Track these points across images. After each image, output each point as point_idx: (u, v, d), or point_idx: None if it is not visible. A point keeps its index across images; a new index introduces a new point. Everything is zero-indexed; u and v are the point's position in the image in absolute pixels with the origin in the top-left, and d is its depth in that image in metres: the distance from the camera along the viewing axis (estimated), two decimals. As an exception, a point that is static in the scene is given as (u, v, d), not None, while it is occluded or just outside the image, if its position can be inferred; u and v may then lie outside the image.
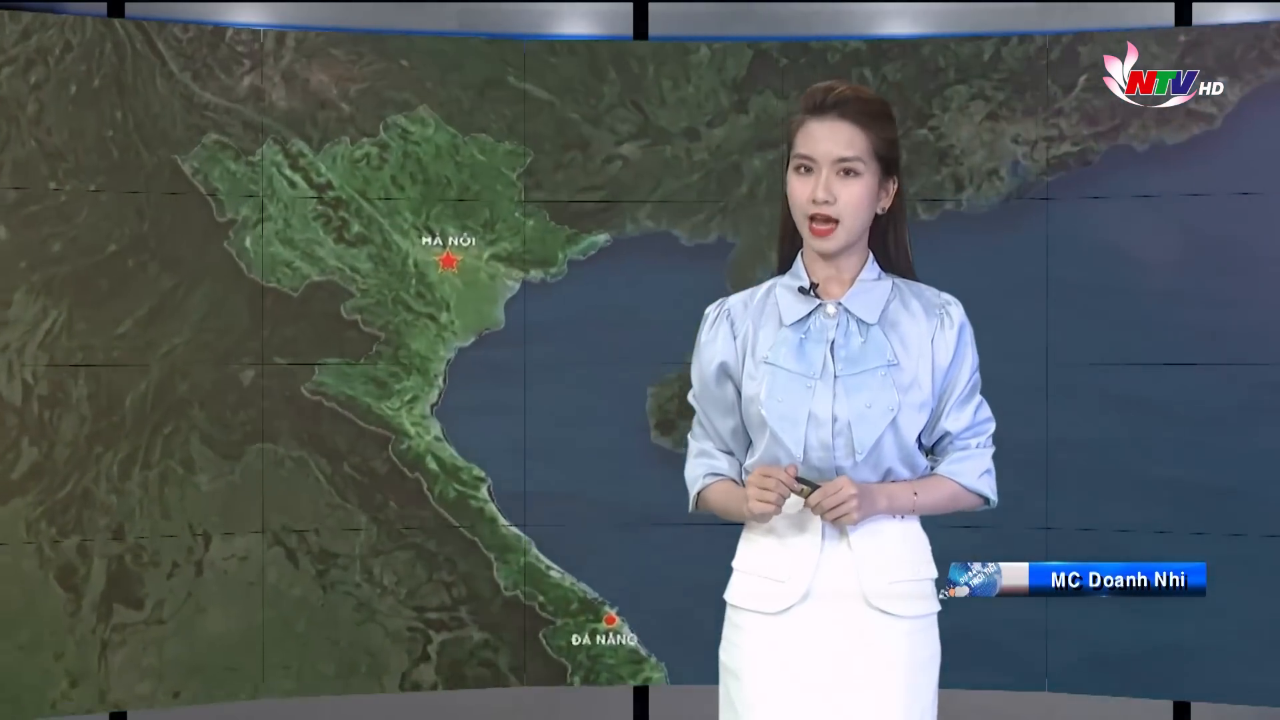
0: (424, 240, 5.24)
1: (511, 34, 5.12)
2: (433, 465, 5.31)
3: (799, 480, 2.38)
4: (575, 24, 5.30)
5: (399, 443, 5.30)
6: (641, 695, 5.23)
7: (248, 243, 5.14)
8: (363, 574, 5.28)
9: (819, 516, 2.41)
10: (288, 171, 5.17)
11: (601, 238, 5.33)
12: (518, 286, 5.30)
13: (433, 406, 5.29)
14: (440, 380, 5.28)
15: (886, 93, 5.15)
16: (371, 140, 5.24)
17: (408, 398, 5.29)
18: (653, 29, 5.13)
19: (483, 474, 5.32)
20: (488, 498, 5.32)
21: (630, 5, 5.15)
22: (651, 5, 5.13)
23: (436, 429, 5.30)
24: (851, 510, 2.38)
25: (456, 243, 5.27)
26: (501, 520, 5.36)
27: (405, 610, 5.32)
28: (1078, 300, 5.00)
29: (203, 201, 5.12)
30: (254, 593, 5.18)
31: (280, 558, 5.21)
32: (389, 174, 5.26)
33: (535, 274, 5.33)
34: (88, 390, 4.97)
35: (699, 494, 2.60)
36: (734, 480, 2.59)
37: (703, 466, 2.60)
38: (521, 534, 5.37)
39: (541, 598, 5.35)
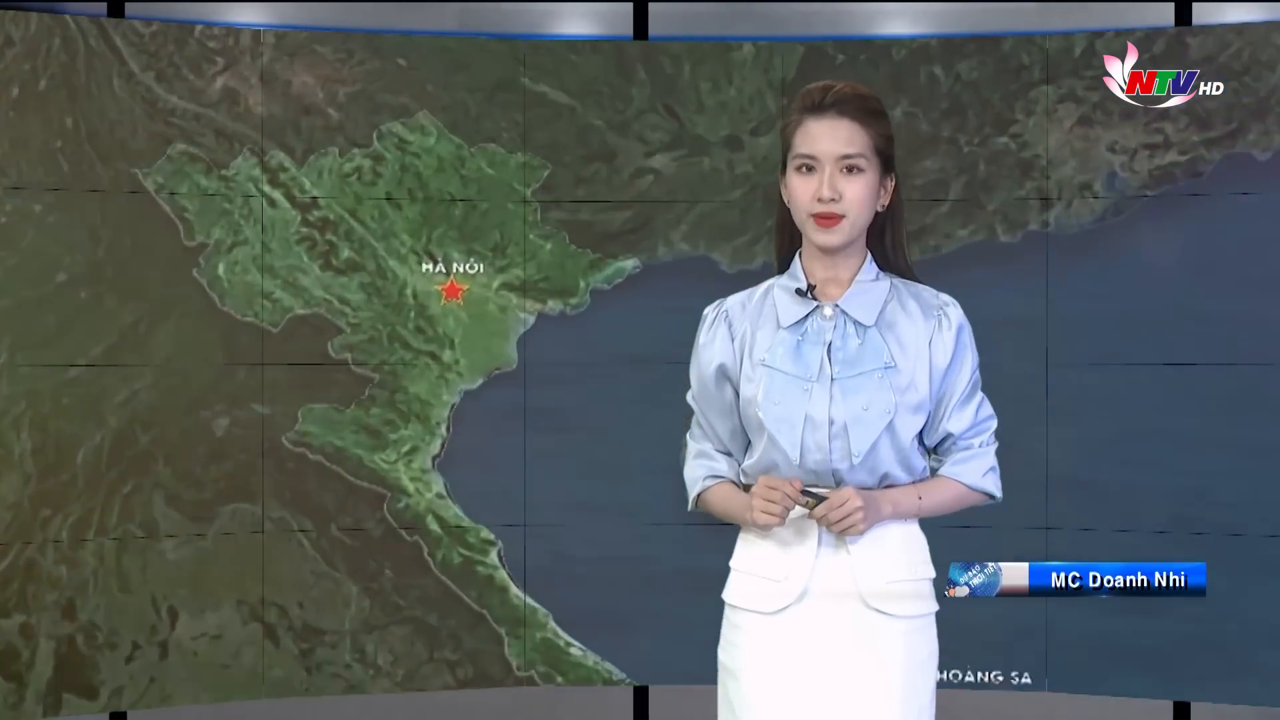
0: (424, 267, 4.97)
1: (511, 34, 5.00)
2: (434, 527, 5.01)
3: (804, 493, 2.46)
4: (575, 24, 5.15)
5: (395, 501, 5.00)
6: (641, 695, 5.09)
7: (221, 270, 4.86)
8: (353, 653, 4.95)
9: (834, 534, 2.50)
10: (267, 188, 4.89)
11: (629, 263, 5.05)
12: (533, 320, 5.03)
13: (434, 459, 5.00)
14: (443, 428, 4.99)
15: (960, 93, 4.92)
16: (364, 151, 4.96)
17: (406, 449, 5.00)
18: (653, 29, 5.04)
19: (492, 536, 5.02)
20: (498, 563, 5.02)
21: (630, 5, 5.05)
22: (651, 5, 5.04)
23: (439, 485, 5.02)
24: (858, 522, 2.46)
25: (462, 270, 5.00)
26: (513, 589, 5.03)
27: (403, 695, 4.99)
28: (1185, 331, 4.73)
29: (168, 223, 4.82)
30: (229, 676, 4.85)
31: (258, 635, 4.87)
32: (384, 190, 4.98)
33: (553, 305, 5.05)
34: (33, 444, 4.66)
35: (698, 495, 2.68)
36: (734, 482, 2.66)
37: (702, 468, 2.67)
38: (537, 605, 5.05)
39: (560, 679, 5.02)
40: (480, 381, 5.02)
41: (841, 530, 2.49)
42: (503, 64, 5.01)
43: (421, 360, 5.00)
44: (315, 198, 4.95)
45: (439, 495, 5.02)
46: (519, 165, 5.02)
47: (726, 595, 2.64)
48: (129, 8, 4.85)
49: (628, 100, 5.01)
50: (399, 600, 5.01)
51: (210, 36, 4.84)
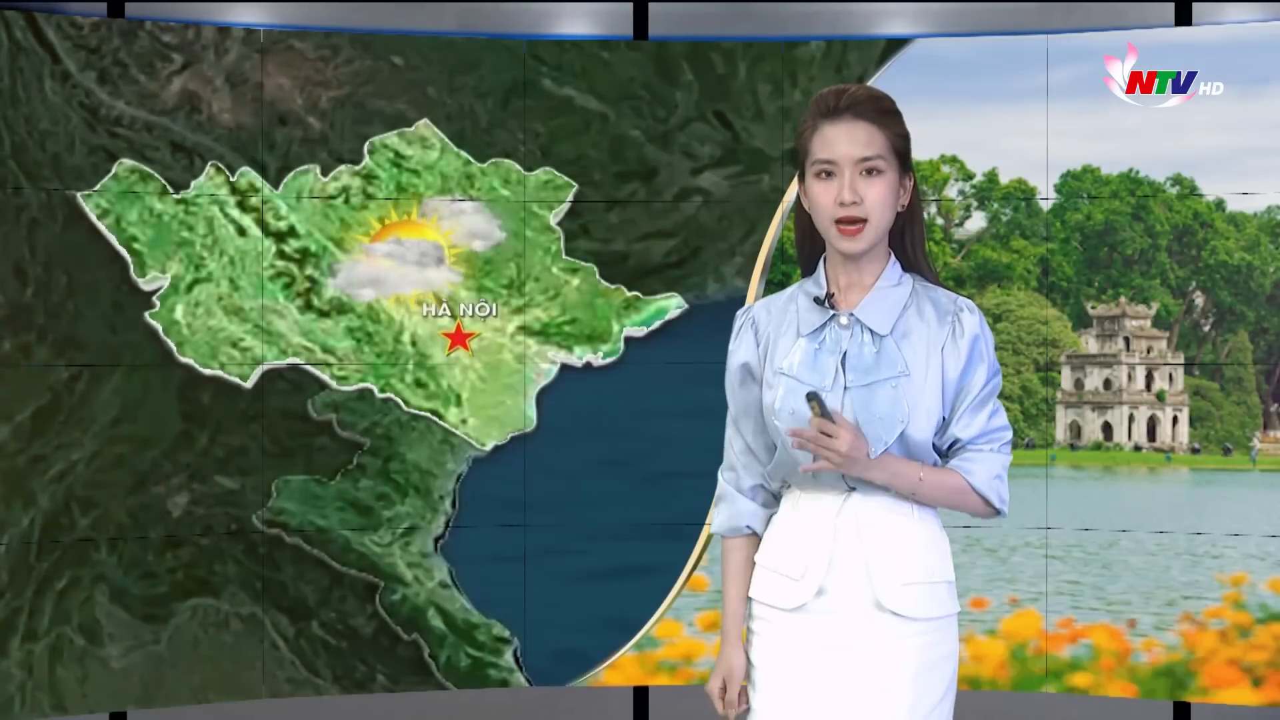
0: (425, 308, 4.85)
1: (512, 34, 5.07)
2: (437, 622, 4.87)
3: (814, 399, 2.61)
4: (575, 24, 5.20)
5: (390, 591, 4.86)
6: (641, 695, 5.13)
7: (178, 313, 4.70)
8: (340, 774, 4.84)
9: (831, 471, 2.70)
10: (235, 212, 4.75)
11: (672, 303, 4.93)
12: (555, 370, 4.91)
13: (437, 541, 4.87)
14: (448, 503, 4.87)
15: None
16: (351, 168, 4.82)
17: (402, 529, 4.84)
18: (653, 29, 5.13)
19: (506, 633, 4.90)
20: (514, 666, 4.88)
21: (630, 5, 5.13)
22: (652, 5, 5.14)
23: (442, 572, 4.87)
24: (831, 458, 2.62)
25: (471, 311, 4.87)
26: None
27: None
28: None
29: (113, 255, 4.65)
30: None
31: (225, 762, 4.78)
32: (375, 215, 4.83)
33: (580, 353, 4.91)
34: (-54, 529, 4.47)
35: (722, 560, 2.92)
36: (747, 549, 2.85)
37: (723, 516, 2.86)
38: (561, 715, 5.07)
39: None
40: (492, 446, 4.89)
41: (818, 453, 2.65)
42: (518, 63, 4.94)
43: (421, 421, 4.87)
44: (293, 225, 4.82)
45: (442, 584, 4.89)
46: (541, 185, 4.91)
47: (751, 589, 2.82)
48: (129, 8, 4.84)
49: (670, 106, 4.92)
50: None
51: (164, 30, 4.68)
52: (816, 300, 2.77)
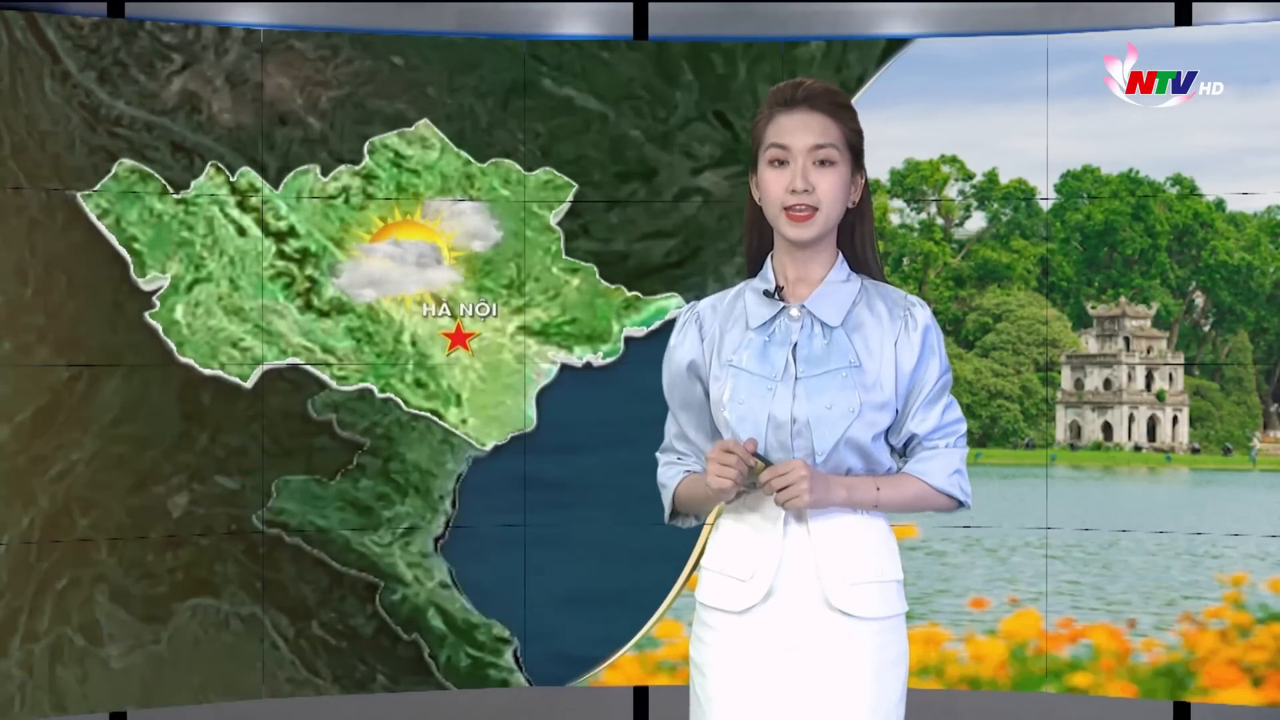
0: (425, 308, 4.82)
1: (512, 34, 5.07)
2: (437, 622, 4.84)
3: (756, 455, 2.63)
4: (575, 24, 5.23)
5: (390, 591, 4.82)
6: (641, 695, 5.13)
7: (178, 313, 4.67)
8: (340, 776, 4.78)
9: (779, 506, 2.67)
10: (235, 212, 4.72)
11: (672, 303, 4.91)
12: (555, 370, 4.89)
13: (437, 541, 4.84)
14: (448, 503, 4.84)
15: None
16: (351, 168, 4.80)
17: (402, 529, 4.81)
18: (653, 29, 5.16)
19: (507, 633, 4.86)
20: (514, 666, 4.85)
21: (630, 5, 5.16)
22: (651, 5, 5.17)
23: (442, 572, 4.84)
24: (802, 493, 2.62)
25: (471, 311, 4.85)
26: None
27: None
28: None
29: (113, 256, 4.62)
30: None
31: (225, 762, 4.74)
32: (375, 215, 4.80)
33: (580, 353, 4.89)
34: (-55, 529, 4.40)
35: (674, 496, 2.86)
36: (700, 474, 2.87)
37: (673, 470, 2.85)
38: (561, 716, 5.00)
39: (588, 806, 4.90)
40: (492, 446, 4.86)
41: (784, 500, 2.63)
42: (518, 63, 4.90)
43: (421, 422, 4.84)
44: (293, 225, 4.79)
45: (442, 584, 4.85)
46: (540, 184, 4.87)
47: (698, 594, 2.80)
48: (129, 7, 4.84)
49: (671, 106, 4.89)
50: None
51: (164, 30, 4.64)
52: (766, 293, 2.78)
